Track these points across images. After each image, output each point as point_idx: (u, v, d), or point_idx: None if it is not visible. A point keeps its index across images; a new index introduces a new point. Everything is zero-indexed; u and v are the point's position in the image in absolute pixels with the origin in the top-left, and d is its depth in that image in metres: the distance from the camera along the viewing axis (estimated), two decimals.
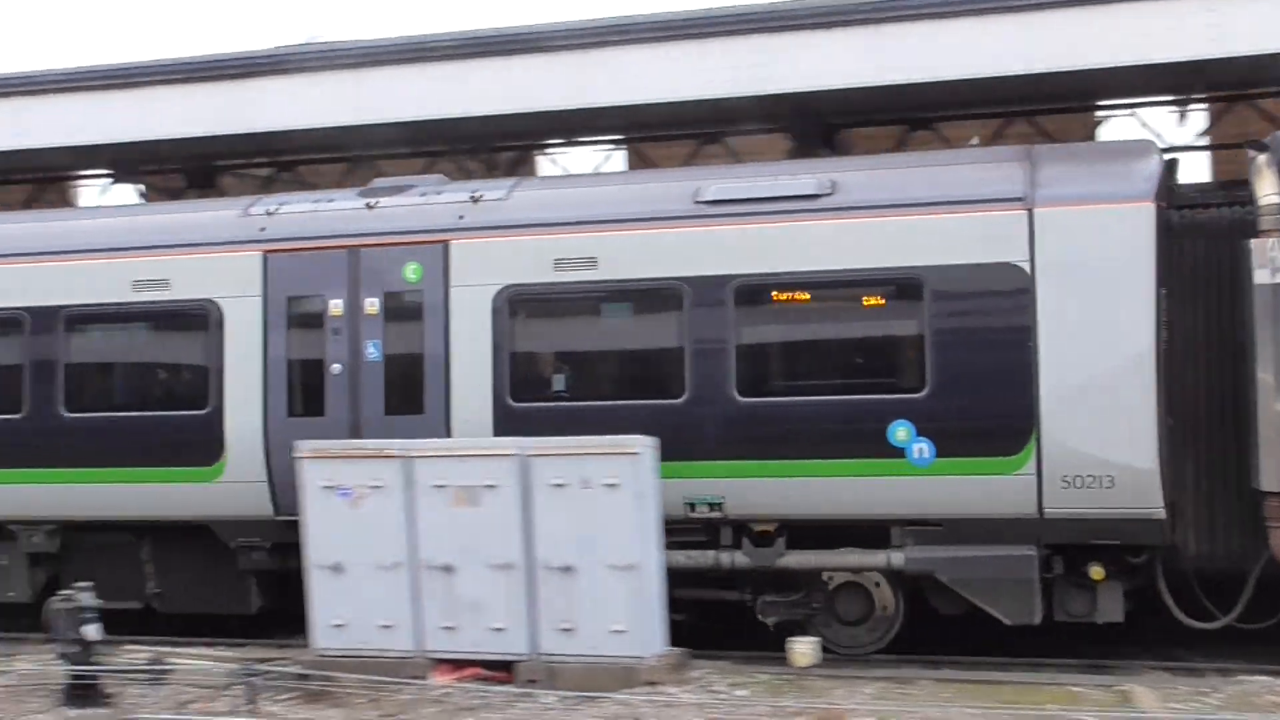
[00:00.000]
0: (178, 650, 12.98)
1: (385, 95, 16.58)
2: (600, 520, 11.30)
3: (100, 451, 14.31)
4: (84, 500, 14.40)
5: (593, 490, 11.34)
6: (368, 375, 13.50)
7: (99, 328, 14.78)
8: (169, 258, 14.31)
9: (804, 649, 12.31)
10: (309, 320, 13.73)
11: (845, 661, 12.38)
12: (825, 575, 12.79)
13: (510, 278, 13.14)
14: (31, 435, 14.58)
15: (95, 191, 21.91)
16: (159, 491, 14.12)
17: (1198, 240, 12.29)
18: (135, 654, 12.82)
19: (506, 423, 12.93)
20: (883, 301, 12.62)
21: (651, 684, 10.99)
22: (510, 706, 10.81)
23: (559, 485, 11.44)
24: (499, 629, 11.51)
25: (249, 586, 14.32)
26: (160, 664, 12.17)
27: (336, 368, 13.62)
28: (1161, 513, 11.55)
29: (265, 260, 13.93)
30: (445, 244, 13.33)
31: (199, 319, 14.11)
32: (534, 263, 13.09)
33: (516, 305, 13.19)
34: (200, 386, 14.04)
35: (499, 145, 19.46)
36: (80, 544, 14.84)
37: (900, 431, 12.06)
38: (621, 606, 11.26)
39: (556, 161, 20.02)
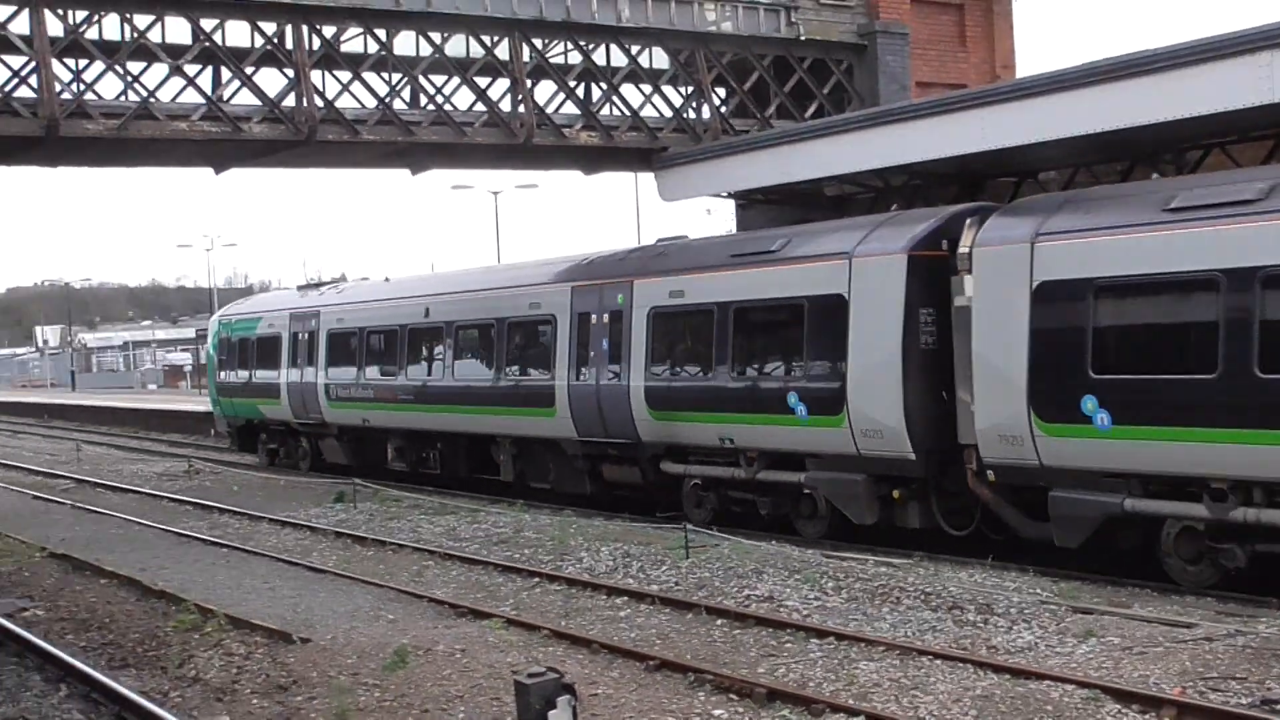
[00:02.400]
0: None
1: None
2: None
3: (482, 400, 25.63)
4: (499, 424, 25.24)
5: None
6: (599, 354, 22.78)
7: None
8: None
9: None
10: (586, 325, 23.19)
11: None
12: (805, 489, 19.37)
13: (654, 302, 21.77)
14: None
15: None
16: (534, 422, 24.25)
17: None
18: None
19: (648, 383, 21.64)
20: (787, 319, 19.46)
21: None
22: None
23: None
24: None
25: (584, 477, 23.58)
26: None
27: (593, 351, 22.84)
28: (912, 455, 17.54)
29: (572, 292, 23.66)
30: (631, 282, 22.38)
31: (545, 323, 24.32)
32: (662, 293, 21.66)
33: (655, 319, 21.76)
34: (547, 359, 24.10)
35: None
36: (525, 450, 25.15)
37: (792, 398, 19.07)
38: None
39: None
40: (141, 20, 25.75)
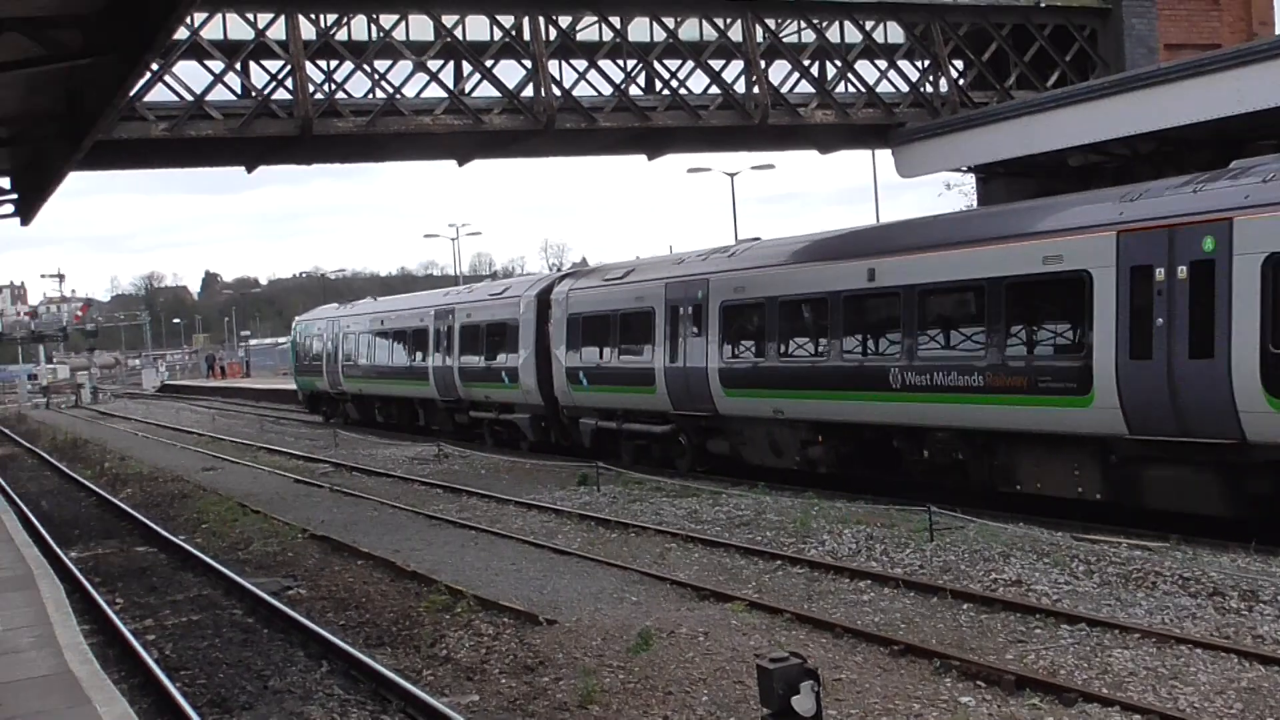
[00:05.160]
0: None
1: None
2: None
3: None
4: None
5: None
6: (443, 351, 37.99)
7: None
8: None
9: None
10: (440, 332, 38.81)
11: None
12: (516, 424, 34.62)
13: (459, 320, 37.24)
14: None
15: None
16: (422, 389, 39.78)
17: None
18: None
19: (460, 366, 36.80)
20: (501, 330, 33.90)
21: None
22: None
23: None
24: None
25: (450, 420, 38.53)
26: None
27: (439, 348, 38.17)
28: (542, 404, 31.83)
29: (435, 314, 38.46)
30: (453, 308, 38.13)
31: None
32: (464, 315, 37.12)
33: (462, 329, 36.72)
34: (425, 351, 39.87)
35: None
36: (425, 406, 40.87)
37: (505, 375, 33.49)
38: None
39: None
40: (386, 20, 26.62)
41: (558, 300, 30.85)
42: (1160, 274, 16.16)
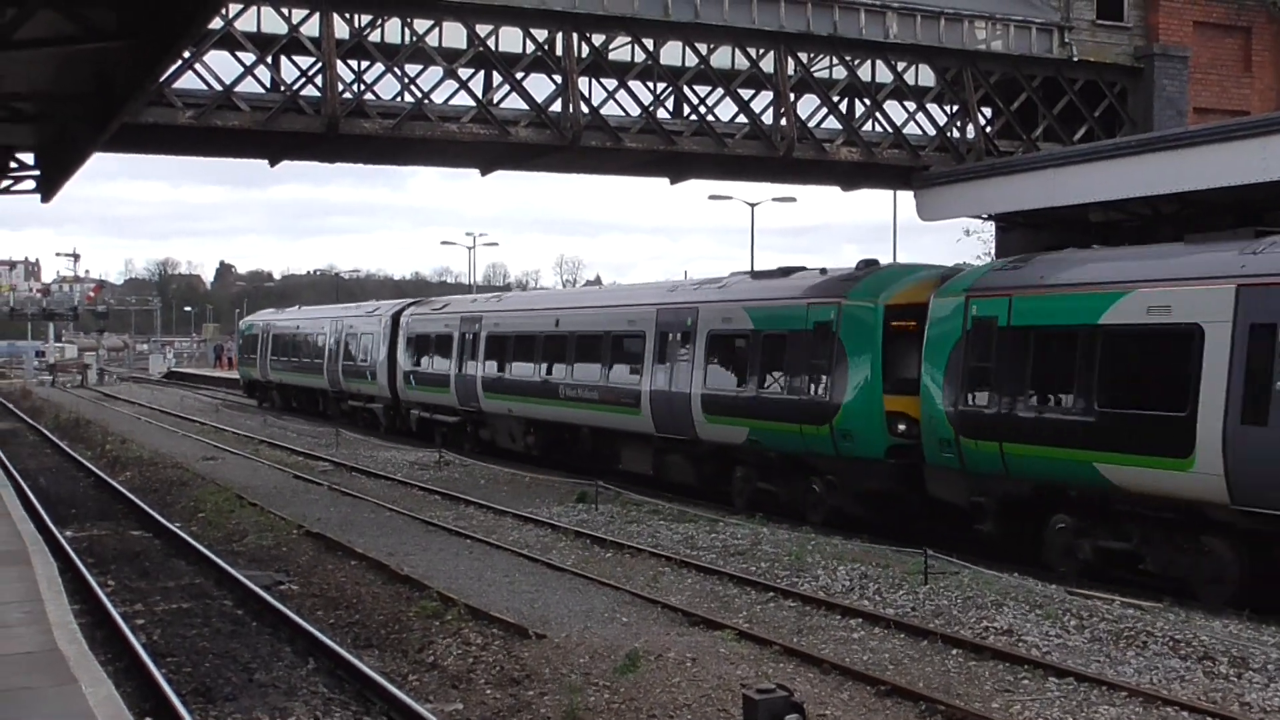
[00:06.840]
0: None
1: None
2: None
3: None
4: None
5: None
6: (332, 352, 49.25)
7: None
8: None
9: None
10: (345, 337, 49.04)
11: None
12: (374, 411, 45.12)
13: (340, 330, 48.37)
14: None
15: None
16: (317, 380, 50.84)
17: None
18: None
19: (339, 369, 48.32)
20: (364, 338, 45.14)
21: None
22: None
23: None
24: None
25: (336, 406, 48.93)
26: None
27: (326, 348, 49.54)
28: (390, 397, 42.23)
29: (330, 322, 49.59)
30: (342, 320, 49.25)
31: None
32: (349, 327, 47.70)
33: (344, 336, 47.87)
34: (321, 354, 50.46)
35: None
36: (322, 395, 51.21)
37: (367, 374, 44.13)
38: None
39: None
40: (421, 25, 26.72)
41: (403, 322, 41.51)
42: (672, 336, 25.98)
